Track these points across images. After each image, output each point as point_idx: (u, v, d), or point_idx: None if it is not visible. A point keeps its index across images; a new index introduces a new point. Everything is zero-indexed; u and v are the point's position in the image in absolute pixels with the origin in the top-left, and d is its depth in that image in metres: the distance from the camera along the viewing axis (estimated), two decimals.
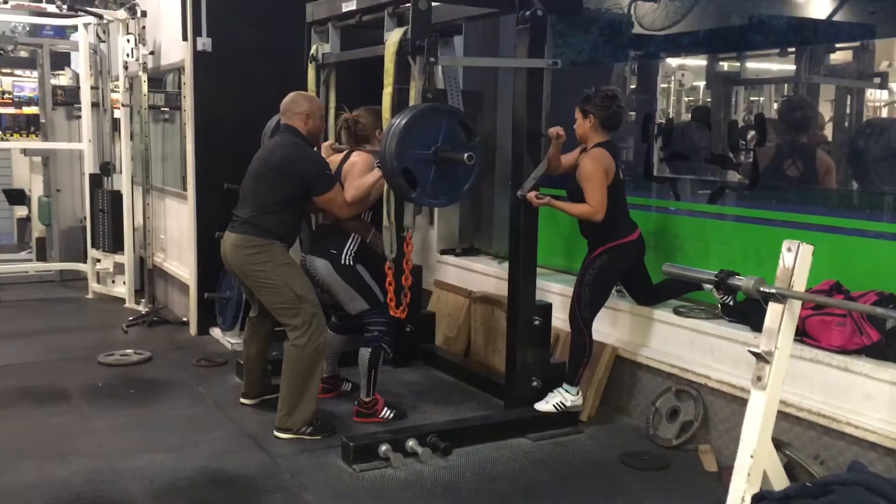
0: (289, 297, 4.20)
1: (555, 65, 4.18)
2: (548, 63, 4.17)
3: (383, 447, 3.90)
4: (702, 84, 5.32)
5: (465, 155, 3.76)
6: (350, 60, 4.81)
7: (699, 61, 5.24)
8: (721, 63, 5.11)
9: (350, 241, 4.36)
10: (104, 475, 3.76)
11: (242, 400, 4.73)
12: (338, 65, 4.86)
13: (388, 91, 3.99)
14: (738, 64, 5.05)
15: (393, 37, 3.96)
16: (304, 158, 4.25)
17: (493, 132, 5.96)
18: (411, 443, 3.96)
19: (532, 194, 4.18)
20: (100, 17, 7.44)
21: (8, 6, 8.25)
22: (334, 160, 4.52)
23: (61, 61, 9.24)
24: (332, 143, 4.65)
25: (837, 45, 4.38)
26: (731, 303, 4.14)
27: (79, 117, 7.90)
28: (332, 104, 4.89)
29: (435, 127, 3.82)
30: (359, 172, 4.32)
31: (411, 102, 3.93)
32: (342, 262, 4.33)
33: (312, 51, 4.82)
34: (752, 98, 5.17)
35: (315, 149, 4.48)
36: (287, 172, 4.22)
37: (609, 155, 4.19)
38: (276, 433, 4.24)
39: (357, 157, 4.42)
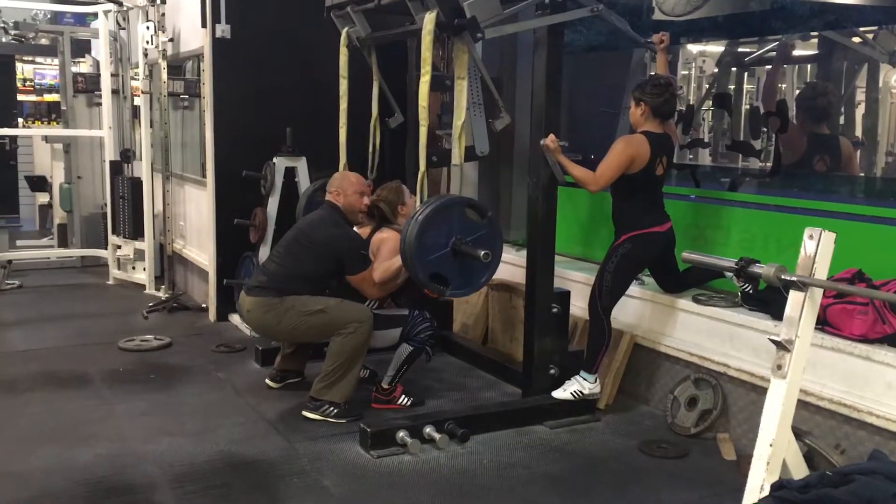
0: (313, 321, 4.24)
1: (597, 11, 4.16)
2: (590, 10, 4.15)
3: (401, 433, 3.91)
4: (722, 70, 5.27)
5: (482, 253, 3.83)
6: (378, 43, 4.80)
7: (720, 47, 5.19)
8: (742, 49, 5.06)
9: (368, 303, 4.47)
10: (125, 459, 3.79)
11: (268, 381, 4.78)
12: (364, 46, 4.84)
13: (426, 79, 3.91)
14: (759, 49, 5.00)
15: (427, 24, 3.85)
16: (344, 238, 4.36)
17: (511, 120, 5.94)
18: (429, 429, 3.97)
19: (550, 139, 4.16)
20: (120, 4, 7.48)
21: None
22: (362, 234, 4.57)
23: (82, 49, 9.28)
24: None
25: (860, 29, 4.32)
26: (752, 291, 4.11)
27: (99, 104, 7.96)
28: (376, 82, 4.91)
29: (446, 222, 3.87)
30: (387, 253, 4.40)
31: (458, 92, 3.91)
32: None
33: (343, 35, 4.80)
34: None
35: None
36: (327, 249, 4.32)
37: (647, 145, 4.11)
38: (304, 412, 4.27)
39: (386, 235, 4.51)
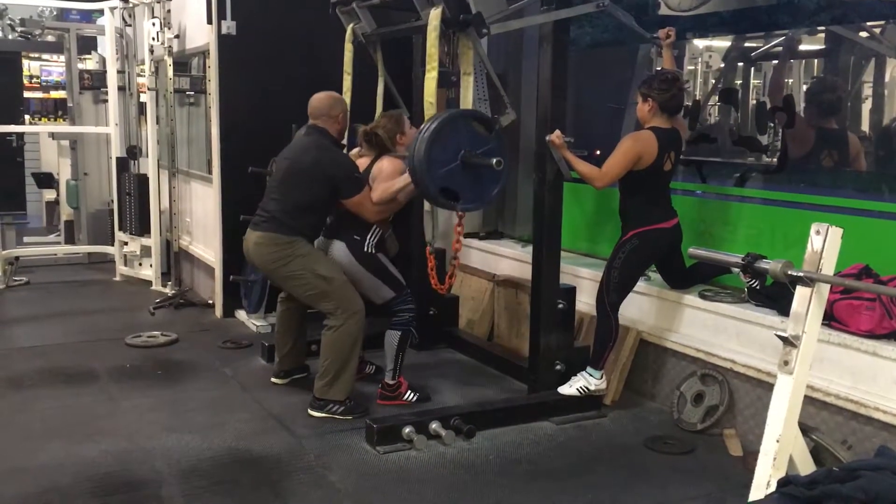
0: (314, 282, 4.23)
1: (603, 6, 4.15)
2: (596, 6, 4.15)
3: (407, 429, 3.91)
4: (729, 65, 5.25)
5: (494, 161, 3.80)
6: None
7: (726, 42, 5.17)
8: (748, 44, 5.04)
9: (372, 231, 4.40)
10: (132, 455, 3.81)
11: (273, 379, 4.78)
12: (369, 42, 4.84)
13: (432, 75, 3.89)
14: (766, 44, 4.98)
15: (433, 20, 3.83)
16: (333, 162, 4.31)
17: (516, 116, 5.93)
18: (435, 425, 3.97)
19: (556, 134, 4.15)
20: (125, 0, 7.48)
21: None
22: (362, 164, 4.55)
23: (88, 45, 9.30)
24: (359, 150, 4.70)
25: (867, 24, 4.30)
26: (758, 287, 4.10)
27: (105, 101, 7.97)
28: (381, 78, 4.92)
29: (453, 135, 3.83)
30: (387, 175, 4.37)
31: (464, 88, 3.91)
32: (365, 248, 4.36)
33: (348, 31, 4.80)
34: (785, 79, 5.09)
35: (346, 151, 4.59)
36: (317, 175, 4.27)
37: (655, 141, 4.10)
38: (310, 411, 4.28)
39: (386, 162, 4.47)
